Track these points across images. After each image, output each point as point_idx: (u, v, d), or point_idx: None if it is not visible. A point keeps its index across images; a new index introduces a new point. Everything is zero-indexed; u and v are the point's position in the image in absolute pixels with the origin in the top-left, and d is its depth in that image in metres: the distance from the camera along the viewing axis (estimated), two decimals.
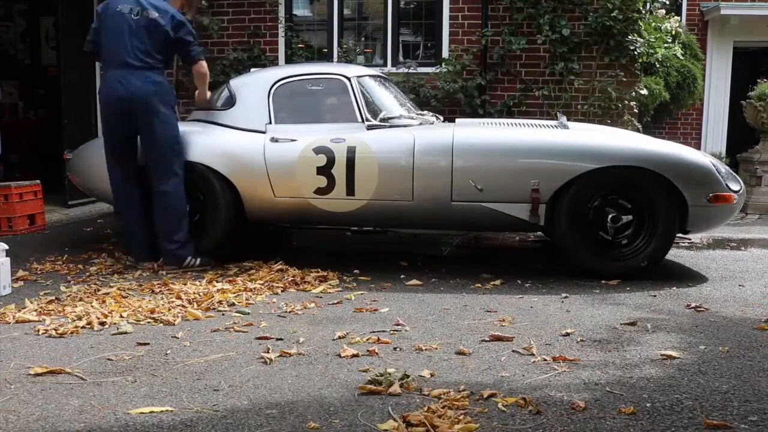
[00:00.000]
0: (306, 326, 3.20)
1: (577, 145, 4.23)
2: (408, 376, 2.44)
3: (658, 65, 8.16)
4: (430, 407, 2.19)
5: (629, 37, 6.82)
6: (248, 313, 3.44)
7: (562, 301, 3.67)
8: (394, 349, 2.85)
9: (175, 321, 3.26)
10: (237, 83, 4.94)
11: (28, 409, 2.23)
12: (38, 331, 3.07)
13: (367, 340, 2.96)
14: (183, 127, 4.99)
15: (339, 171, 4.36)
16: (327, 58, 7.51)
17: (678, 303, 3.62)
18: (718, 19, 10.56)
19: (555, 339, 2.97)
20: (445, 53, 7.20)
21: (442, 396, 2.30)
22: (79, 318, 3.24)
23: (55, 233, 5.74)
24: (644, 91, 7.08)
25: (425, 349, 2.83)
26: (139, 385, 2.43)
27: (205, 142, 4.62)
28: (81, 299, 3.59)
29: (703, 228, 4.43)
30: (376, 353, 2.78)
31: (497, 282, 4.10)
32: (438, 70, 7.04)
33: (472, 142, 4.32)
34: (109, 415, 2.18)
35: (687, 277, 4.35)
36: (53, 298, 3.61)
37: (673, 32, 8.93)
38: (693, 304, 3.56)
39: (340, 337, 3.00)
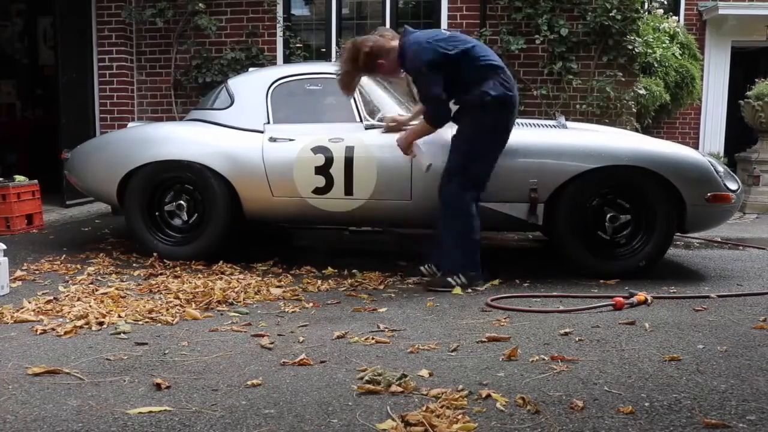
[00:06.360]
0: (304, 326, 3.20)
1: (575, 145, 4.23)
2: (406, 376, 2.43)
3: (656, 65, 8.17)
4: (428, 407, 2.19)
5: (627, 36, 6.83)
6: (246, 313, 3.44)
7: (561, 301, 3.67)
8: (393, 348, 2.85)
9: (173, 321, 3.25)
10: (235, 83, 4.94)
11: (26, 409, 2.22)
12: (36, 331, 3.07)
13: (366, 339, 2.96)
14: (181, 127, 5.01)
15: (337, 171, 4.35)
16: (325, 57, 7.51)
17: (676, 302, 3.62)
18: (716, 18, 10.56)
19: (553, 338, 2.97)
20: None
21: (440, 395, 2.29)
22: (78, 318, 3.23)
23: (53, 233, 5.73)
24: (642, 91, 7.09)
25: (423, 349, 2.83)
26: (137, 385, 2.43)
27: (203, 142, 4.62)
28: (79, 299, 3.59)
29: (701, 227, 4.43)
30: (375, 353, 2.78)
31: (495, 282, 4.09)
32: None
33: None
34: (108, 415, 2.17)
35: (685, 276, 4.36)
36: (51, 298, 3.61)
37: (672, 32, 8.94)
38: (691, 304, 3.57)
39: (338, 337, 3.00)
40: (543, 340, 2.95)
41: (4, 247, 3.81)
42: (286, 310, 3.50)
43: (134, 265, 4.53)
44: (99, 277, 4.15)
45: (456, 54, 3.84)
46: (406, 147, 4.10)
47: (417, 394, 2.33)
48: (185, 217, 4.70)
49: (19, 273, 4.17)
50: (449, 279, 3.92)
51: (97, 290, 3.79)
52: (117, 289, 3.80)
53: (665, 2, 9.12)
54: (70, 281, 4.04)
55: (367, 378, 2.44)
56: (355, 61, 3.94)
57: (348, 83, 4.08)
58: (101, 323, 3.17)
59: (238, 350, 2.83)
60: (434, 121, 3.98)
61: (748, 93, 8.08)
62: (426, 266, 4.20)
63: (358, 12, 7.88)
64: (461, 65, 3.86)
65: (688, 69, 8.76)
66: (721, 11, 10.34)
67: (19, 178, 5.88)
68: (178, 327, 3.18)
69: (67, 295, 3.67)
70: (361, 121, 4.49)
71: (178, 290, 3.78)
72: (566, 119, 5.11)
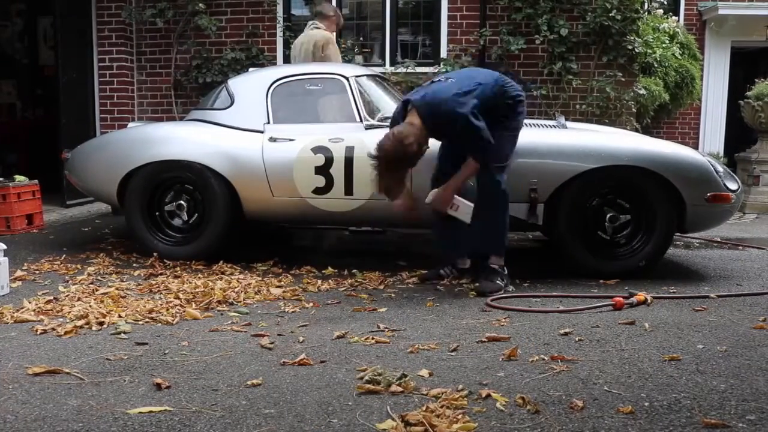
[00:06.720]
0: (304, 326, 3.20)
1: (575, 145, 4.23)
2: (406, 376, 2.44)
3: (656, 65, 8.18)
4: (428, 407, 2.19)
5: (627, 36, 6.84)
6: (247, 313, 3.44)
7: (561, 301, 3.67)
8: (393, 348, 2.85)
9: (173, 321, 3.26)
10: (235, 83, 4.94)
11: (26, 409, 2.23)
12: (36, 331, 3.07)
13: (366, 339, 2.96)
14: (181, 127, 5.01)
15: (337, 171, 4.36)
16: None
17: (676, 302, 3.63)
18: (716, 18, 10.57)
19: (553, 338, 2.97)
20: (443, 53, 7.21)
21: (440, 395, 2.30)
22: (78, 318, 3.23)
23: (54, 233, 5.73)
24: (642, 91, 7.09)
25: (423, 349, 2.83)
26: (138, 385, 2.43)
27: (204, 142, 4.62)
28: (79, 299, 3.59)
29: (701, 227, 4.43)
30: (375, 353, 2.78)
31: None
32: (436, 70, 7.05)
33: None
34: (108, 414, 2.18)
35: (685, 276, 4.36)
36: (51, 298, 3.61)
37: (671, 32, 8.94)
38: (690, 304, 3.57)
39: (338, 337, 3.00)
40: (543, 340, 2.96)
41: (5, 247, 3.81)
42: (286, 310, 3.50)
43: (134, 265, 4.53)
44: (99, 277, 4.15)
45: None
46: (448, 202, 3.84)
47: (417, 394, 2.34)
48: (185, 217, 4.70)
49: (19, 273, 4.17)
50: (498, 282, 3.86)
51: (97, 290, 3.79)
52: (117, 289, 3.80)
53: (665, 2, 9.12)
54: (70, 281, 4.04)
55: (367, 378, 2.44)
56: (406, 160, 3.66)
57: (401, 185, 3.77)
58: (101, 323, 3.17)
59: (238, 350, 2.83)
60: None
61: (748, 93, 8.08)
62: (445, 269, 4.19)
63: (358, 12, 7.88)
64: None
65: (688, 69, 8.76)
66: (720, 11, 10.35)
67: (20, 178, 5.89)
68: (178, 327, 3.18)
69: (67, 295, 3.67)
70: (361, 121, 4.49)
71: (178, 290, 3.79)
72: (566, 119, 5.11)
